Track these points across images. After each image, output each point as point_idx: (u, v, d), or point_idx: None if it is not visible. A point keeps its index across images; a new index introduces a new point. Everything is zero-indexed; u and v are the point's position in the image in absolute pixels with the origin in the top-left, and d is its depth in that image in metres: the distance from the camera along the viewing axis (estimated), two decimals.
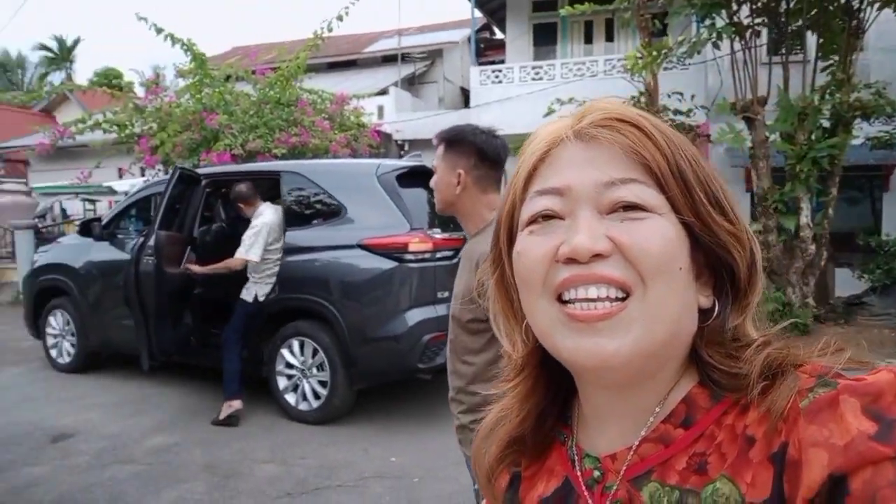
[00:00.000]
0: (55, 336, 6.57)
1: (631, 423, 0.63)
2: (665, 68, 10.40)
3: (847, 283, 9.89)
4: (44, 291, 6.58)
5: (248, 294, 5.05)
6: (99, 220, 6.43)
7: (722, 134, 8.75)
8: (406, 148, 14.03)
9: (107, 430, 4.87)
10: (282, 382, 5.10)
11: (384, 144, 12.76)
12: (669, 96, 9.37)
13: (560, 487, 0.69)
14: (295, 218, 5.22)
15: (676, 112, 9.41)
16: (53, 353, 6.59)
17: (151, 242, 5.00)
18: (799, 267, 8.12)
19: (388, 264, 4.66)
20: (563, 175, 0.60)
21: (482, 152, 1.96)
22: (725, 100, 8.81)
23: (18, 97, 14.42)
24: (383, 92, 14.29)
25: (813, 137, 8.13)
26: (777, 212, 8.16)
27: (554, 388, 0.71)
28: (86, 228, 6.32)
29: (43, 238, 11.39)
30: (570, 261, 0.57)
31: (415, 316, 4.66)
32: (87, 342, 6.30)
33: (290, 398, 5.07)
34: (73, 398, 5.67)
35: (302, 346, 5.02)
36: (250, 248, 4.94)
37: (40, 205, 13.31)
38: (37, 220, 12.28)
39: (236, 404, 5.02)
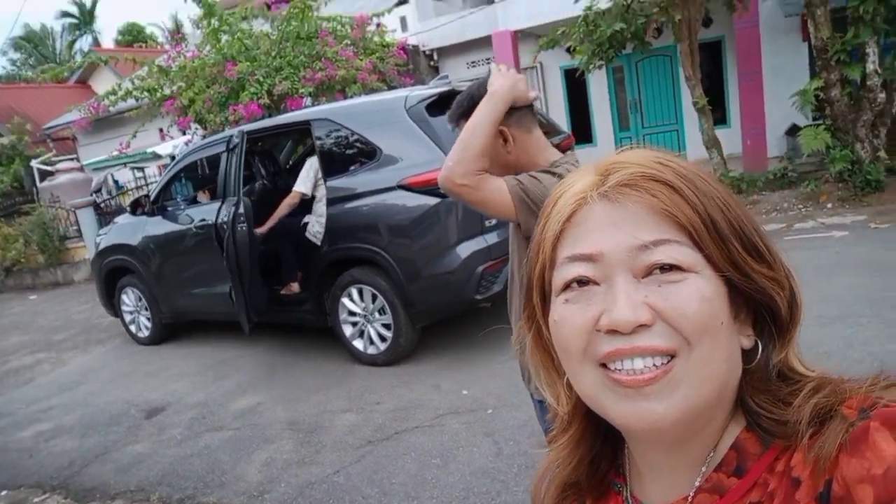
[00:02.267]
0: (131, 312, 6.88)
1: (684, 473, 0.64)
2: None
3: None
4: (112, 272, 6.83)
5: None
6: (148, 196, 6.53)
7: None
8: (435, 58, 13.49)
9: (193, 399, 5.12)
10: (347, 330, 5.19)
11: (412, 60, 12.31)
12: None
13: None
14: (332, 165, 5.14)
15: None
16: (133, 328, 6.93)
17: (241, 210, 5.09)
18: (867, 119, 7.54)
19: (431, 201, 4.55)
20: (593, 240, 0.59)
21: None
22: None
23: (48, 72, 14.53)
24: (403, 1, 13.64)
25: None
26: (840, 63, 7.50)
27: (603, 434, 0.72)
28: (135, 206, 6.44)
29: (103, 212, 11.78)
30: (612, 331, 0.57)
31: (466, 249, 4.58)
32: (160, 314, 6.57)
33: (358, 344, 5.17)
34: (157, 371, 5.98)
35: (361, 292, 5.06)
36: (302, 183, 5.41)
37: (94, 180, 13.67)
38: (94, 195, 12.65)
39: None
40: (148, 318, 6.72)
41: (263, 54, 9.15)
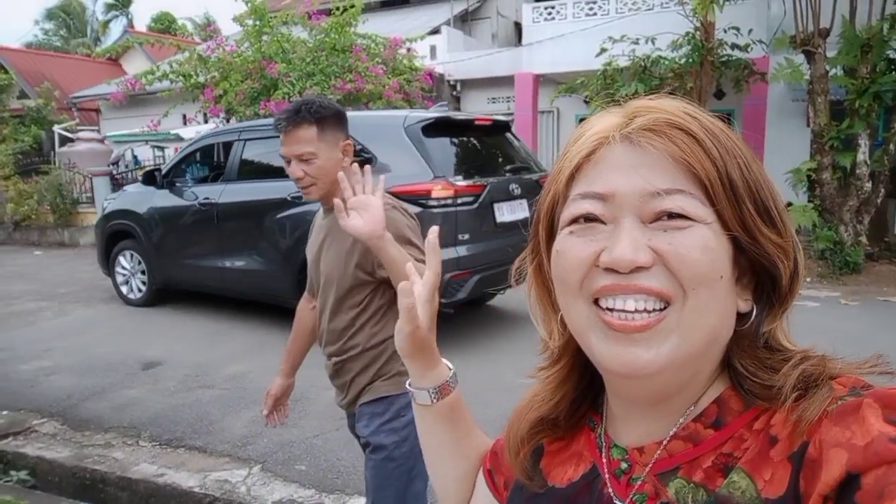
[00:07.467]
0: (125, 274, 7.25)
1: (659, 422, 0.64)
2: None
3: None
4: (114, 235, 7.22)
5: None
6: (160, 169, 6.94)
7: (779, 70, 8.55)
8: (458, 89, 14.05)
9: (189, 360, 5.43)
10: None
11: (437, 87, 12.84)
12: (726, 31, 9.13)
13: (588, 472, 0.70)
14: None
15: (734, 46, 9.20)
16: (124, 289, 7.30)
17: None
18: (853, 205, 8.01)
19: (411, 209, 4.95)
20: (607, 180, 0.59)
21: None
22: (785, 33, 8.56)
23: (87, 48, 15.05)
24: (435, 31, 14.23)
25: (877, 70, 7.87)
26: (833, 149, 8.01)
27: (589, 376, 0.72)
28: (148, 177, 6.85)
29: (118, 184, 12.16)
30: (611, 269, 0.57)
31: None
32: (154, 280, 6.95)
33: None
34: (156, 332, 6.30)
35: None
36: None
37: (114, 152, 14.06)
38: (111, 166, 13.05)
39: None
40: (143, 282, 7.10)
41: (299, 59, 9.64)
